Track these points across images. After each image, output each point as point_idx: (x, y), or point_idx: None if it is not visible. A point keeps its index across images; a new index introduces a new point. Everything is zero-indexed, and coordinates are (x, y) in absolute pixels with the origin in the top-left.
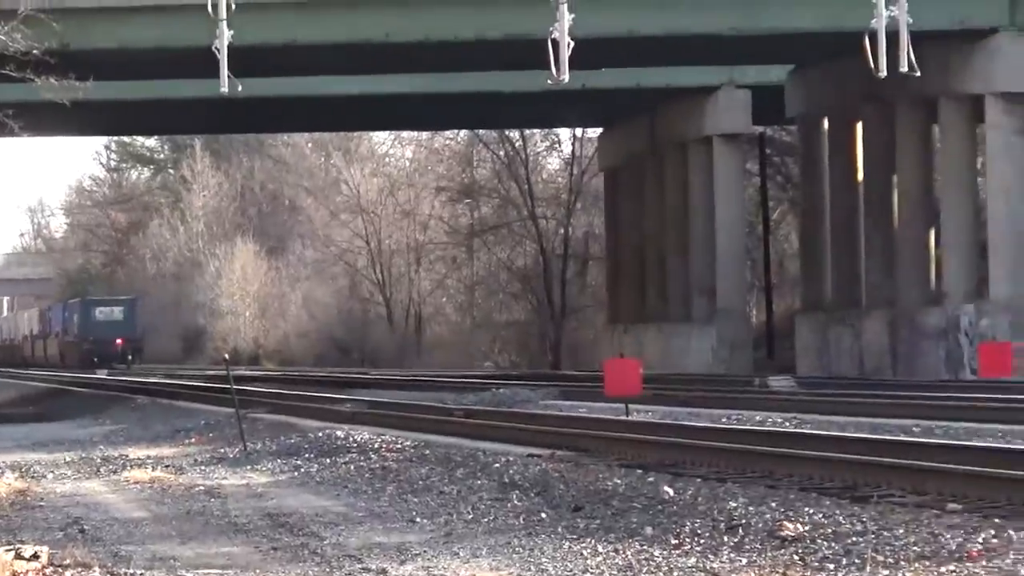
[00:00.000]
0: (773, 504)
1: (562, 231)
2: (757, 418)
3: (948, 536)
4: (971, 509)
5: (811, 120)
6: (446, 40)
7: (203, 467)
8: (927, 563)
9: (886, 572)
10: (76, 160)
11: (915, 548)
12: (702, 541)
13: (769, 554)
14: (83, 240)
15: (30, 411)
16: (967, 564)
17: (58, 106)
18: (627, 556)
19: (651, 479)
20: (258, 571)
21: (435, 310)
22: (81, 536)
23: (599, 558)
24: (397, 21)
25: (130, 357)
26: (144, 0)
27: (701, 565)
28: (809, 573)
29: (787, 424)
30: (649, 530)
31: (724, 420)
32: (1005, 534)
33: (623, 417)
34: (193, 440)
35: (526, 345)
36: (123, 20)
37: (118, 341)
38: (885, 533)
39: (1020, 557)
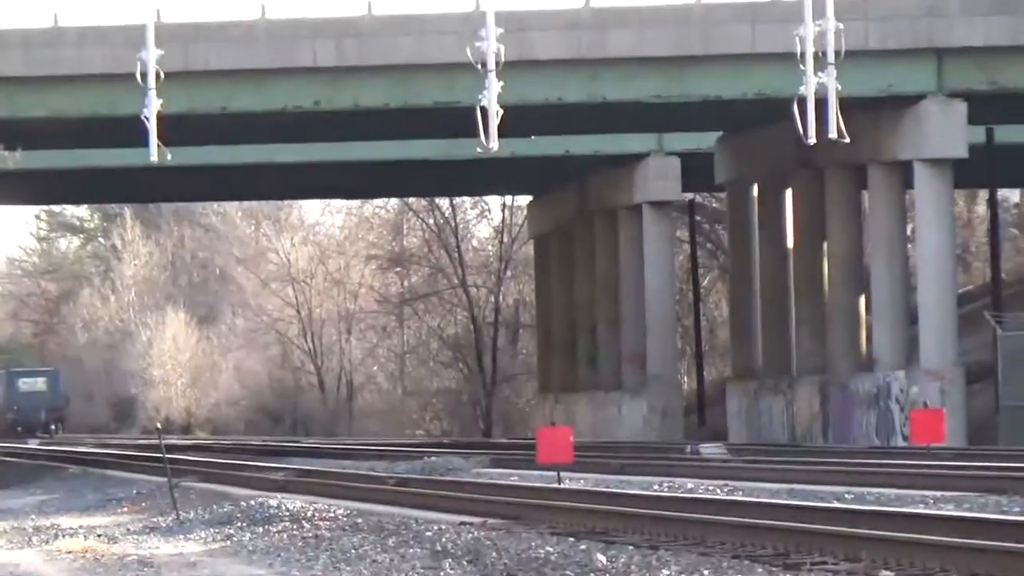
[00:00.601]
0: (706, 572)
1: (493, 299)
2: (689, 485)
3: None
4: None
5: (740, 187)
6: (376, 108)
7: (136, 536)
8: None
9: None
10: (4, 229)
11: None
12: None
13: None
14: (13, 310)
15: None
16: None
17: None
18: None
19: (583, 547)
20: None
21: (366, 378)
22: None
23: None
24: (327, 89)
25: (53, 427)
26: (73, 69)
27: None
28: None
29: (719, 491)
30: None
31: (656, 487)
32: None
33: (555, 485)
34: (126, 509)
35: (457, 413)
36: (52, 89)
37: (42, 411)
38: None
39: None
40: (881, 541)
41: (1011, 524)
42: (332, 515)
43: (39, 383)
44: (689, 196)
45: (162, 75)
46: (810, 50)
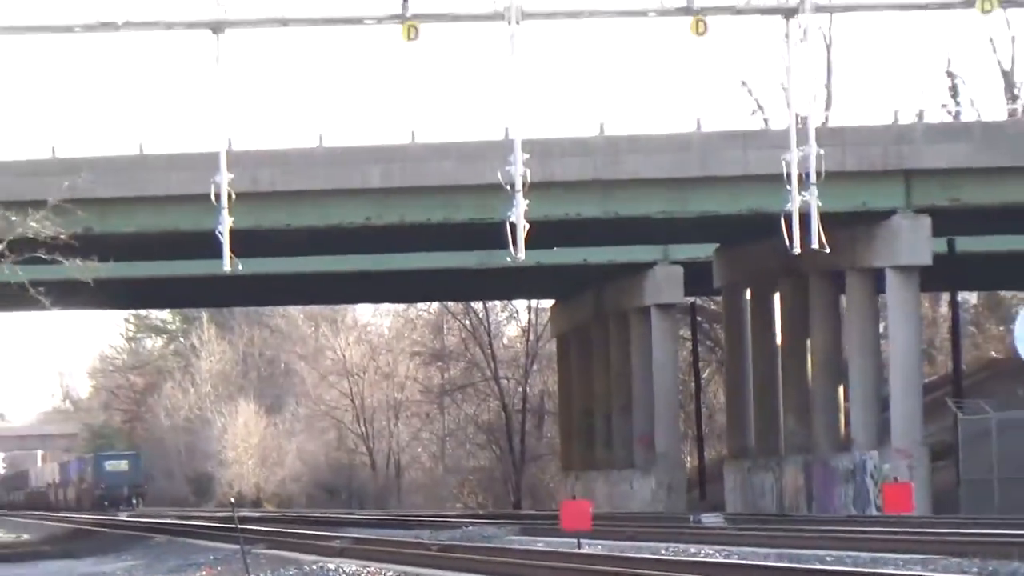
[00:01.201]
0: None
1: (521, 390)
2: (692, 550)
3: None
4: None
5: (735, 291)
6: (419, 223)
7: None
8: None
9: None
10: (99, 329)
11: None
12: None
13: None
14: (105, 400)
15: (61, 549)
16: None
17: (82, 283)
18: None
19: None
20: None
21: (412, 458)
22: None
23: None
24: (377, 207)
25: (135, 501)
26: (156, 191)
27: None
28: None
29: (718, 555)
30: None
31: (663, 552)
32: None
33: (575, 550)
34: (204, 573)
35: (491, 488)
36: (138, 208)
37: (125, 487)
38: None
39: None
40: None
41: None
42: None
43: (122, 464)
44: (691, 299)
45: (233, 196)
46: (795, 172)
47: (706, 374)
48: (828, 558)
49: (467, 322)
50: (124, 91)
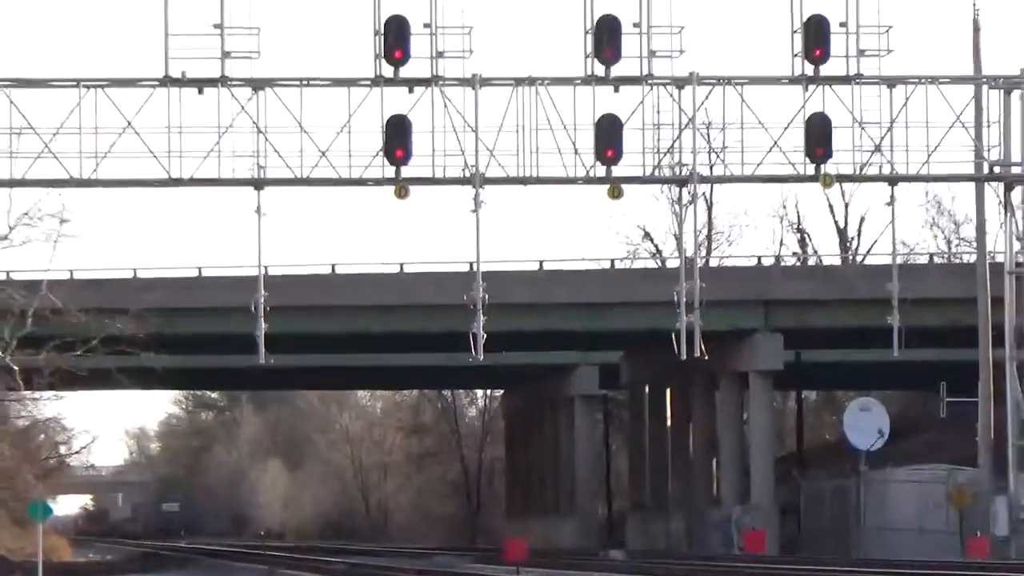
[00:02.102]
0: None
1: (477, 456)
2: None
3: None
4: None
5: (637, 386)
6: (405, 332)
7: None
8: None
9: None
10: (165, 401)
11: None
12: None
13: None
14: (169, 457)
15: (137, 567)
16: None
17: (153, 369)
18: None
19: None
20: None
21: (396, 505)
22: None
23: None
24: (374, 320)
25: (182, 533)
26: (209, 303)
27: None
28: None
29: None
30: None
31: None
32: None
33: (514, 574)
34: None
35: (454, 528)
36: (196, 316)
37: (176, 522)
38: None
39: None
40: None
41: None
42: None
43: (175, 507)
44: (604, 392)
45: (268, 308)
46: (683, 300)
47: (615, 447)
48: None
49: (439, 405)
50: (188, 224)
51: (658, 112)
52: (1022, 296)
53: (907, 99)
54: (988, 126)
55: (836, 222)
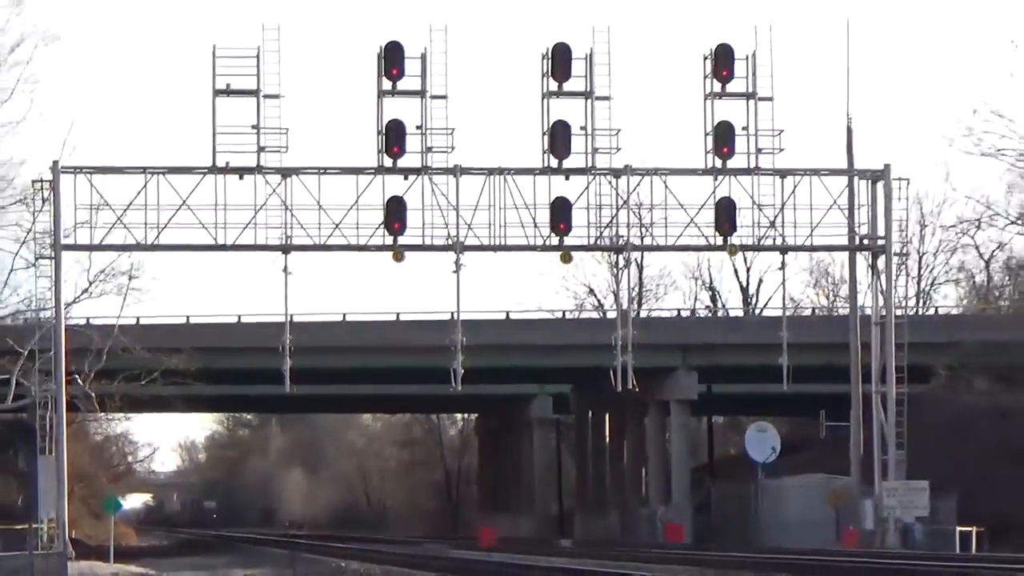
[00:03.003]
0: None
1: (457, 465)
2: (553, 559)
3: None
4: None
5: (582, 412)
6: (400, 367)
7: None
8: None
9: None
10: (209, 422)
11: None
12: None
13: None
14: (212, 464)
15: (187, 551)
16: None
17: (201, 397)
18: None
19: None
20: None
21: (392, 503)
22: None
23: None
24: (377, 358)
25: (213, 520)
26: (247, 344)
27: None
28: None
29: (567, 563)
30: None
31: (536, 559)
32: None
33: (487, 556)
34: (269, 566)
35: (440, 521)
36: (236, 354)
37: (213, 515)
38: None
39: None
40: None
41: None
42: (375, 572)
43: (213, 504)
44: (557, 416)
45: (292, 348)
46: (619, 344)
47: (565, 459)
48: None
49: (426, 425)
50: (229, 280)
51: (600, 196)
52: (885, 342)
53: (795, 187)
54: (859, 208)
55: (740, 282)
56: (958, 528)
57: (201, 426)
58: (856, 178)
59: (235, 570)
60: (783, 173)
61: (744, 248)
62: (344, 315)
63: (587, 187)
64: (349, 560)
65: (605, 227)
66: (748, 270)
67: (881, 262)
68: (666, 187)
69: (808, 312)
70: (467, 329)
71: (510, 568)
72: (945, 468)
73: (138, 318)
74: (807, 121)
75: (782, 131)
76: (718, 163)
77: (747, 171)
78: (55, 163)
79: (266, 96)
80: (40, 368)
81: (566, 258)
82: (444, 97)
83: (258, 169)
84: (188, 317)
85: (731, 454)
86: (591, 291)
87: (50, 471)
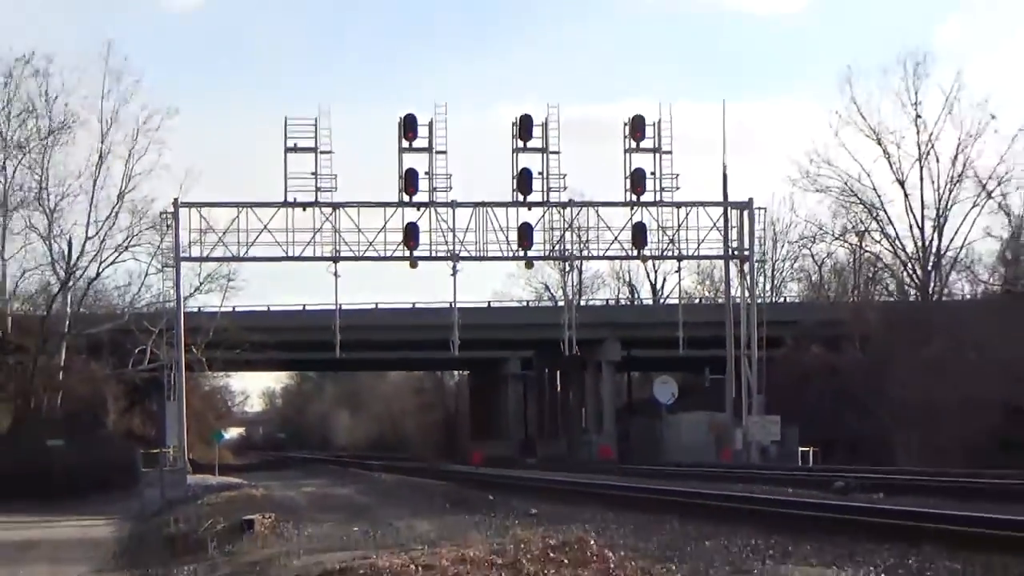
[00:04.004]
0: (521, 500)
1: (455, 407)
2: (521, 471)
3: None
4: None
5: (541, 370)
6: (416, 340)
7: (332, 487)
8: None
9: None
10: (284, 377)
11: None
12: (504, 515)
13: (525, 521)
14: (286, 404)
15: (267, 467)
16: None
17: (278, 360)
18: (475, 519)
19: (486, 493)
20: (355, 528)
21: (410, 433)
22: (284, 509)
23: (465, 518)
24: (399, 334)
25: (283, 446)
26: (309, 324)
27: (503, 523)
28: (544, 526)
29: (529, 473)
30: (483, 510)
31: (510, 472)
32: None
33: (477, 469)
34: (326, 480)
35: (443, 448)
36: (298, 332)
37: (283, 444)
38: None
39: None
40: (585, 493)
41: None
42: (396, 480)
43: (282, 435)
44: (524, 372)
45: (340, 327)
46: (566, 323)
47: (531, 402)
48: (566, 476)
49: (432, 379)
50: (297, 281)
51: (552, 221)
52: (749, 320)
53: (687, 214)
54: (732, 228)
55: (650, 281)
56: (800, 448)
57: (278, 380)
58: (729, 208)
59: (302, 480)
60: (679, 205)
61: (652, 257)
62: (376, 304)
63: (543, 215)
64: (381, 472)
65: (556, 243)
66: (656, 272)
67: (746, 267)
68: (598, 215)
69: (697, 301)
70: (461, 314)
71: (492, 477)
72: (791, 407)
73: (234, 307)
74: (695, 167)
75: (678, 175)
76: (634, 198)
77: (654, 204)
78: (175, 200)
79: (321, 152)
80: (167, 342)
81: (529, 265)
82: (444, 152)
83: (316, 204)
84: (268, 306)
85: (644, 398)
86: (547, 287)
87: (174, 413)
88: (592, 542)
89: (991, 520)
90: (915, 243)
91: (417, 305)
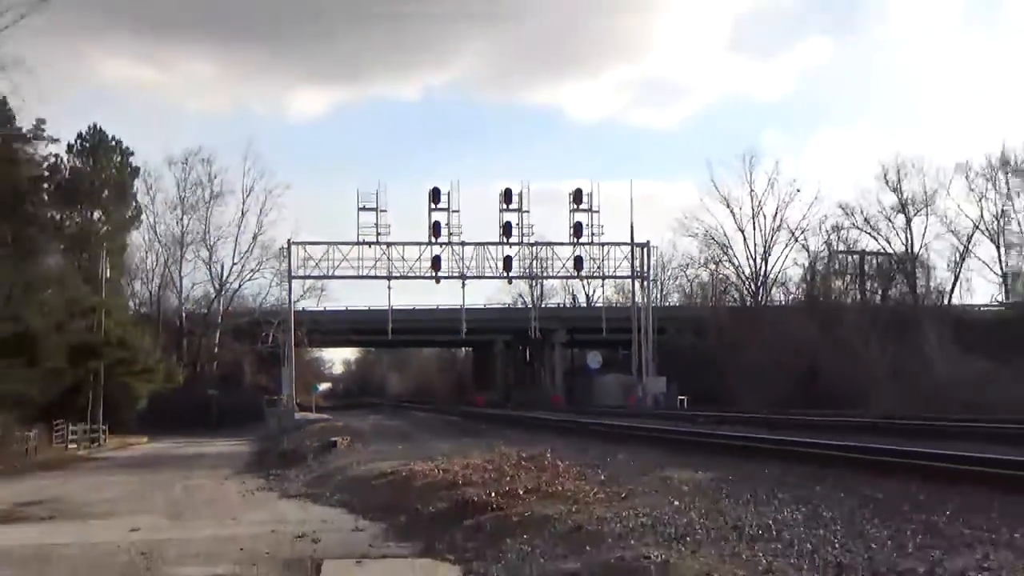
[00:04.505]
0: (515, 434)
1: (461, 370)
2: (503, 411)
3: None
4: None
5: (516, 347)
6: (438, 327)
7: (386, 421)
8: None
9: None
10: (355, 352)
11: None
12: (493, 438)
13: (506, 442)
14: (357, 369)
15: (346, 408)
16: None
17: (350, 339)
18: (475, 441)
19: (495, 426)
20: (400, 446)
21: (434, 387)
22: (356, 434)
23: (472, 442)
24: (427, 326)
25: (355, 395)
26: (370, 318)
27: (491, 444)
28: (518, 447)
29: (508, 413)
30: (487, 438)
31: (497, 412)
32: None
33: (479, 410)
34: (383, 416)
35: (457, 397)
36: (365, 322)
37: (354, 393)
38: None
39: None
40: (542, 425)
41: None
42: (426, 416)
43: (355, 389)
44: (506, 349)
45: (392, 319)
46: (533, 319)
47: (511, 368)
48: (530, 416)
49: (449, 352)
50: (367, 292)
51: (524, 256)
52: (646, 317)
53: (609, 251)
54: (637, 259)
55: (586, 293)
56: (678, 397)
57: (352, 353)
58: (635, 246)
59: (367, 416)
60: (603, 244)
61: (587, 277)
62: (414, 306)
63: (519, 251)
64: (416, 411)
65: (526, 268)
66: (589, 286)
67: (645, 284)
68: (552, 251)
69: (615, 304)
70: (467, 312)
71: (487, 415)
72: (672, 371)
73: (324, 307)
74: (614, 220)
75: (603, 226)
76: (575, 240)
77: (588, 243)
78: (289, 240)
79: (380, 211)
80: (282, 329)
81: (509, 281)
82: (457, 211)
83: (376, 242)
84: (346, 307)
85: (581, 365)
86: (520, 296)
87: (286, 374)
88: (548, 455)
89: (792, 441)
90: (750, 269)
91: (439, 307)
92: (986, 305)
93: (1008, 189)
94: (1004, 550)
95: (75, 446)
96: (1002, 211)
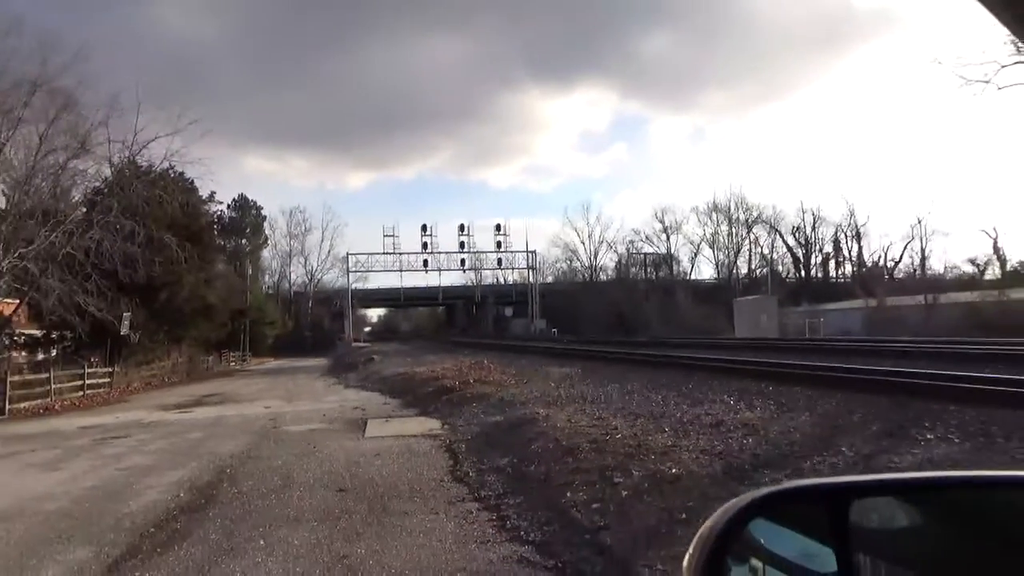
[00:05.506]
0: (467, 352)
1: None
2: (465, 339)
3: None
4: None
5: (469, 308)
6: (428, 297)
7: (400, 347)
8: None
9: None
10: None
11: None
12: (459, 354)
13: (458, 356)
14: (385, 322)
15: (378, 343)
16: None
17: (380, 303)
18: (450, 358)
19: (458, 348)
20: (408, 359)
21: (428, 325)
22: (383, 353)
23: (447, 356)
24: (430, 292)
25: (384, 336)
26: (391, 293)
27: (457, 355)
28: (470, 357)
29: (468, 339)
30: (454, 354)
31: (463, 339)
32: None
33: (452, 339)
34: (398, 345)
35: (448, 352)
36: (386, 294)
37: (383, 335)
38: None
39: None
40: (486, 346)
41: (560, 349)
42: (423, 344)
43: (383, 331)
44: (462, 302)
45: (402, 296)
46: (477, 293)
47: (466, 319)
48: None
49: (434, 310)
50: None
51: (473, 259)
52: (535, 290)
53: (515, 256)
54: (531, 259)
55: (504, 278)
56: (552, 330)
57: (382, 310)
58: (529, 253)
59: (390, 346)
60: (513, 252)
61: (504, 268)
62: (414, 286)
63: (469, 256)
64: (418, 341)
65: (474, 264)
66: (506, 274)
67: (533, 272)
68: (485, 256)
69: (519, 282)
70: (443, 289)
71: (455, 342)
72: (549, 316)
73: (367, 287)
74: (518, 239)
75: (512, 242)
76: (498, 249)
77: (505, 251)
78: (347, 252)
79: (395, 236)
80: (344, 298)
81: (464, 272)
82: (436, 236)
83: (394, 252)
84: (378, 286)
85: (504, 316)
86: (471, 280)
87: (347, 324)
88: (486, 362)
89: (614, 352)
90: (588, 262)
91: (428, 286)
92: (707, 279)
93: (716, 220)
94: (713, 403)
95: (234, 363)
96: (715, 231)
